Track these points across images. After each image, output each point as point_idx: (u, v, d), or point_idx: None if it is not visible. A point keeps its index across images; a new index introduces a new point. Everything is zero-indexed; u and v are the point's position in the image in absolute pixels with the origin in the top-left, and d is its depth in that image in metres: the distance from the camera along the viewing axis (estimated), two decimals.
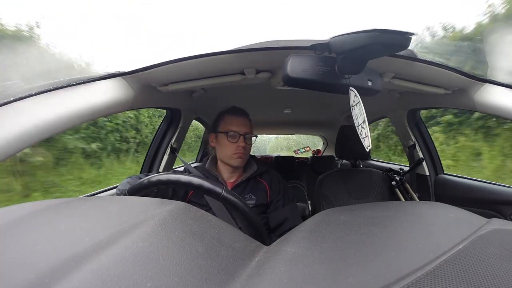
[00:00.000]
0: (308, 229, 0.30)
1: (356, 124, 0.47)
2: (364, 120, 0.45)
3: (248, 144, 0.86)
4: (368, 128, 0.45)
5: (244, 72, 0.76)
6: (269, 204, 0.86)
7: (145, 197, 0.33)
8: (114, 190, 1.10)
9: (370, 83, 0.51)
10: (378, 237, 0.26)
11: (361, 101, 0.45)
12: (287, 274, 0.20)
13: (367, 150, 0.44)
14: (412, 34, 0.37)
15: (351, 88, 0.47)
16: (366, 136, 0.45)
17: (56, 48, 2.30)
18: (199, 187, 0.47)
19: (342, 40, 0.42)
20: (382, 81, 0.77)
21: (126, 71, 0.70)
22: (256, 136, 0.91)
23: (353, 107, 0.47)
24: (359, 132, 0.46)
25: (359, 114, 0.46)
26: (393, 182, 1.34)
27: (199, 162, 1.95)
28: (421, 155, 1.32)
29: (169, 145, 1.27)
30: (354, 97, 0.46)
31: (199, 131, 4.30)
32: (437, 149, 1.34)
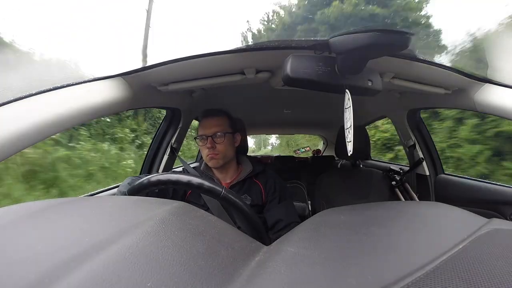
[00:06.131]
0: (308, 229, 0.30)
1: (345, 127, 0.48)
2: (351, 126, 0.46)
3: (219, 143, 0.83)
4: (352, 134, 0.46)
5: (244, 72, 0.76)
6: (264, 204, 0.86)
7: (145, 197, 0.33)
8: (114, 190, 1.10)
9: (370, 83, 0.51)
10: (378, 237, 0.26)
11: (351, 107, 0.46)
12: (287, 274, 0.20)
13: (349, 154, 0.46)
14: (412, 34, 0.37)
15: (346, 90, 0.47)
16: (350, 142, 0.45)
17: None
18: (199, 187, 0.47)
19: (342, 40, 0.42)
20: (382, 81, 0.77)
21: (126, 70, 0.70)
22: (233, 133, 0.87)
23: (345, 110, 0.48)
24: (346, 135, 0.47)
25: (348, 118, 0.47)
26: (393, 182, 1.34)
27: (199, 162, 1.95)
28: (421, 155, 1.32)
29: (169, 145, 1.27)
30: (348, 100, 0.47)
31: None
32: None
